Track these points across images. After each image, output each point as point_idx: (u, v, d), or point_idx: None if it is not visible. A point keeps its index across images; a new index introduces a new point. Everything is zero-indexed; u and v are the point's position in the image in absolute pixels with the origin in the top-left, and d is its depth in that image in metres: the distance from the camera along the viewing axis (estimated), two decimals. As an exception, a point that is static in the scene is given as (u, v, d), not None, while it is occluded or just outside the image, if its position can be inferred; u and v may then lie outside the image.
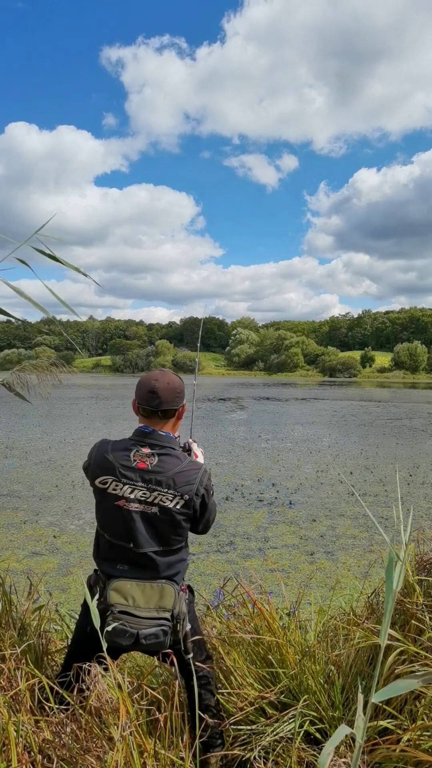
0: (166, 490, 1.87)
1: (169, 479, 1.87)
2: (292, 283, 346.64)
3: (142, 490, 1.87)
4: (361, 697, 1.09)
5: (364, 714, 1.04)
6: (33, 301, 1.85)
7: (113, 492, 1.89)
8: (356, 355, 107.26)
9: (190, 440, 2.59)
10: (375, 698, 1.03)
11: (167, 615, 1.86)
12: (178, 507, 1.88)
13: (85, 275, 2.06)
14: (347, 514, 8.66)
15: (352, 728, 1.02)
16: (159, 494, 1.87)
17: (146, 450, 1.91)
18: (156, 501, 1.87)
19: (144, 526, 1.88)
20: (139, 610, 1.83)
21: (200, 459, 2.46)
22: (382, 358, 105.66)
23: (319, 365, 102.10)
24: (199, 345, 3.45)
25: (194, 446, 2.55)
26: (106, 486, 1.90)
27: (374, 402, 35.52)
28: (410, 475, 11.57)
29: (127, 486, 1.87)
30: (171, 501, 1.87)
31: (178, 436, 2.11)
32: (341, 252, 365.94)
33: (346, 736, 1.93)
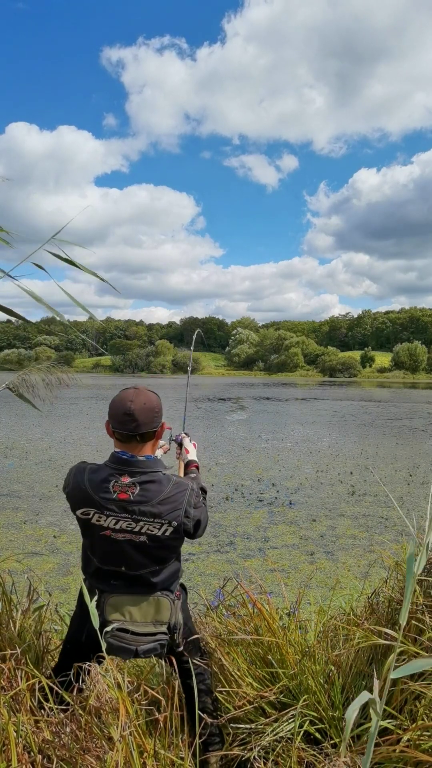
0: (151, 519, 1.77)
1: (153, 508, 1.77)
2: (292, 283, 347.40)
3: (126, 521, 1.77)
4: (376, 681, 1.10)
5: (381, 691, 1.07)
6: (48, 306, 1.86)
7: (97, 523, 1.80)
8: (356, 355, 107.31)
9: (183, 434, 2.54)
10: (394, 674, 1.05)
11: (164, 628, 1.85)
12: (167, 534, 1.80)
13: (103, 280, 2.06)
14: (347, 514, 8.66)
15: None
16: (145, 524, 1.77)
17: (126, 479, 1.78)
18: (143, 531, 1.78)
19: (134, 551, 1.81)
20: (136, 626, 1.82)
21: (192, 454, 2.42)
22: (382, 358, 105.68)
23: (319, 365, 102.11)
24: (192, 347, 3.54)
25: (186, 441, 2.50)
26: (89, 517, 1.80)
27: (374, 402, 35.51)
28: (410, 475, 11.56)
29: (110, 518, 1.78)
30: (159, 529, 1.78)
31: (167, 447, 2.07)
32: (341, 252, 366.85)
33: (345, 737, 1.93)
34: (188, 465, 2.37)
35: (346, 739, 1.11)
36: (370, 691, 2.05)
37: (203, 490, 2.14)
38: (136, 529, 1.78)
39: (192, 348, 3.56)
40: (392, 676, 1.04)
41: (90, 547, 1.89)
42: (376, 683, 1.09)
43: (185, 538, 1.98)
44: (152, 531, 1.78)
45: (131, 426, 1.78)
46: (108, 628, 1.79)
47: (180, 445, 2.52)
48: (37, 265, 1.88)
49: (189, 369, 3.35)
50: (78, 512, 1.82)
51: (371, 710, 1.06)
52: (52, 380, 2.91)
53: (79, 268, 1.94)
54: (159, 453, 2.19)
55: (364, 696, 1.03)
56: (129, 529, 1.78)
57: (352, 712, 0.99)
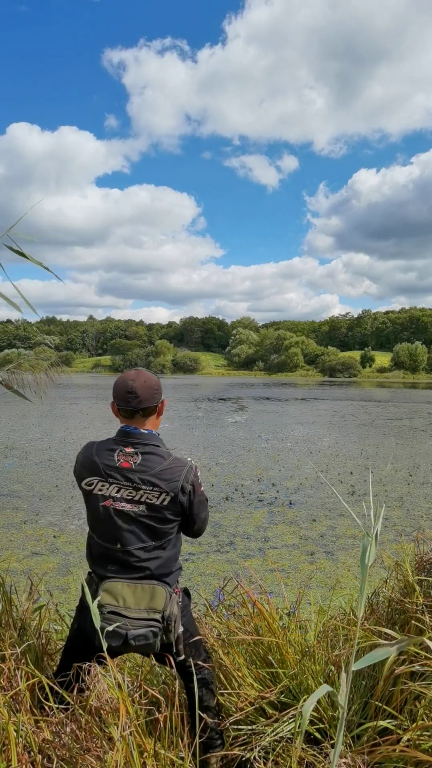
0: (151, 488, 1.87)
1: (153, 477, 1.88)
2: (293, 283, 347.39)
3: (127, 489, 1.88)
4: (345, 671, 1.13)
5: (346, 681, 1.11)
6: (28, 302, 1.87)
7: (99, 492, 1.90)
8: (356, 355, 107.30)
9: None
10: (355, 666, 1.07)
11: (157, 616, 1.84)
12: (165, 503, 1.88)
13: (50, 271, 2.08)
14: (347, 514, 8.66)
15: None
16: (144, 492, 1.88)
17: (129, 449, 1.92)
18: (142, 499, 1.88)
19: (131, 523, 1.88)
20: (128, 611, 1.83)
21: None
22: (382, 358, 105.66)
23: (319, 365, 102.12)
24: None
25: None
26: (92, 487, 1.91)
27: (374, 402, 35.51)
28: (410, 475, 11.57)
29: (113, 486, 1.89)
30: (157, 498, 1.88)
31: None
32: (341, 252, 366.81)
33: (347, 736, 1.93)
34: None
35: (339, 741, 1.12)
36: (371, 691, 2.06)
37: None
38: (136, 498, 1.88)
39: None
40: (353, 667, 1.08)
41: (91, 523, 1.97)
42: (343, 676, 1.13)
43: (183, 535, 1.99)
44: (151, 500, 1.87)
45: (134, 402, 1.93)
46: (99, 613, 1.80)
47: None
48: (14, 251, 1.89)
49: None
50: (83, 483, 1.93)
51: (337, 702, 1.09)
52: (43, 377, 2.91)
53: (32, 261, 1.95)
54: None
55: (323, 689, 1.07)
56: (129, 498, 1.88)
57: (309, 706, 1.03)
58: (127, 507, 1.88)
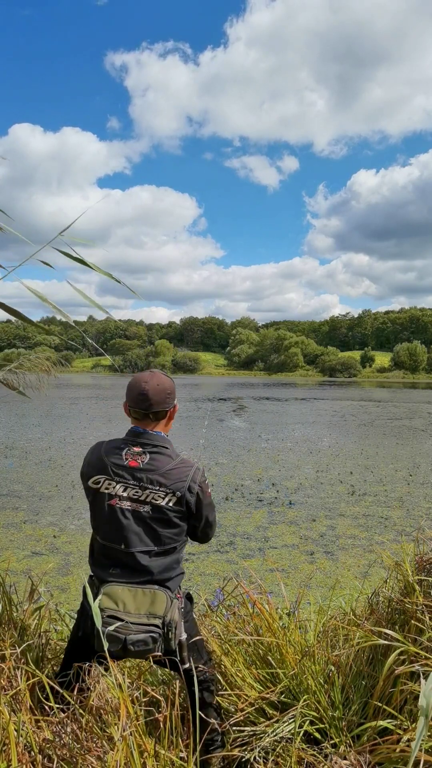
0: (157, 487, 1.86)
1: (160, 476, 1.87)
2: (293, 283, 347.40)
3: (134, 489, 1.87)
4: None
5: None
6: (57, 308, 1.87)
7: (105, 491, 1.89)
8: (356, 355, 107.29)
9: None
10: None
11: (158, 622, 1.79)
12: (170, 504, 1.86)
13: (116, 280, 2.07)
14: (347, 514, 8.66)
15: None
16: (151, 492, 1.86)
17: (137, 449, 1.91)
18: (148, 499, 1.86)
19: (136, 524, 1.87)
20: (128, 615, 1.79)
21: None
22: (382, 358, 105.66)
23: (319, 365, 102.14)
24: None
25: None
26: (99, 485, 1.90)
27: (374, 402, 35.50)
28: (410, 475, 11.57)
29: (119, 484, 1.88)
30: (163, 499, 1.86)
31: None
32: (341, 253, 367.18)
33: (347, 736, 1.93)
34: None
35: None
36: (371, 691, 2.06)
37: None
38: (142, 498, 1.86)
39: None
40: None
41: (95, 523, 1.96)
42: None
43: (189, 539, 1.98)
44: (156, 500, 1.86)
45: (145, 405, 1.92)
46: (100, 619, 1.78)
47: None
48: (44, 262, 1.89)
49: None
50: (90, 481, 1.92)
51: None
52: (44, 376, 2.91)
53: (91, 267, 1.94)
54: None
55: None
56: (135, 497, 1.86)
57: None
58: (132, 506, 1.87)
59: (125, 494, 1.87)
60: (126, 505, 1.87)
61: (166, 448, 1.95)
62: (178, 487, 1.87)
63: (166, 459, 1.91)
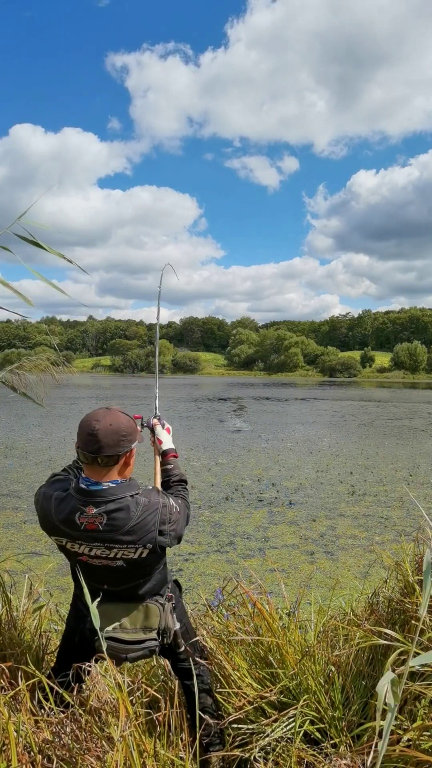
0: (125, 545, 1.71)
1: (124, 535, 1.69)
2: (293, 283, 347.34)
3: (100, 549, 1.72)
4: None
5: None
6: (26, 298, 1.87)
7: (72, 549, 1.75)
8: (356, 355, 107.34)
9: (153, 420, 2.32)
10: (413, 662, 1.05)
11: (153, 634, 1.85)
12: (144, 556, 1.74)
13: (69, 260, 2.07)
14: (347, 514, 8.66)
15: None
16: (119, 550, 1.71)
17: (91, 510, 1.68)
18: (118, 556, 1.73)
19: (114, 573, 1.78)
20: (126, 633, 1.83)
21: (166, 442, 2.25)
22: (382, 358, 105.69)
23: (319, 365, 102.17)
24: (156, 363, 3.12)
25: (157, 428, 2.29)
26: (63, 544, 1.76)
27: (374, 402, 35.50)
28: (410, 475, 11.56)
29: (84, 546, 1.72)
30: (134, 553, 1.72)
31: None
32: (341, 253, 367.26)
33: (347, 736, 1.93)
34: (164, 456, 2.21)
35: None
36: (371, 691, 2.05)
37: (183, 481, 2.10)
38: (111, 555, 1.73)
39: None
40: (411, 663, 1.07)
41: (72, 565, 1.86)
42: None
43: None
44: (128, 555, 1.73)
45: (93, 447, 1.67)
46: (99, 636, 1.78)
47: (152, 431, 2.29)
48: (3, 247, 1.89)
49: (156, 370, 2.89)
50: (52, 538, 1.77)
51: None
52: (47, 377, 2.89)
53: (45, 249, 1.94)
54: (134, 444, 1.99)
55: (388, 676, 1.04)
56: (104, 555, 1.73)
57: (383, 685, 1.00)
58: (104, 563, 1.75)
59: (92, 554, 1.73)
60: (97, 562, 1.75)
61: (123, 499, 1.71)
62: (148, 540, 1.72)
63: (126, 514, 1.69)
